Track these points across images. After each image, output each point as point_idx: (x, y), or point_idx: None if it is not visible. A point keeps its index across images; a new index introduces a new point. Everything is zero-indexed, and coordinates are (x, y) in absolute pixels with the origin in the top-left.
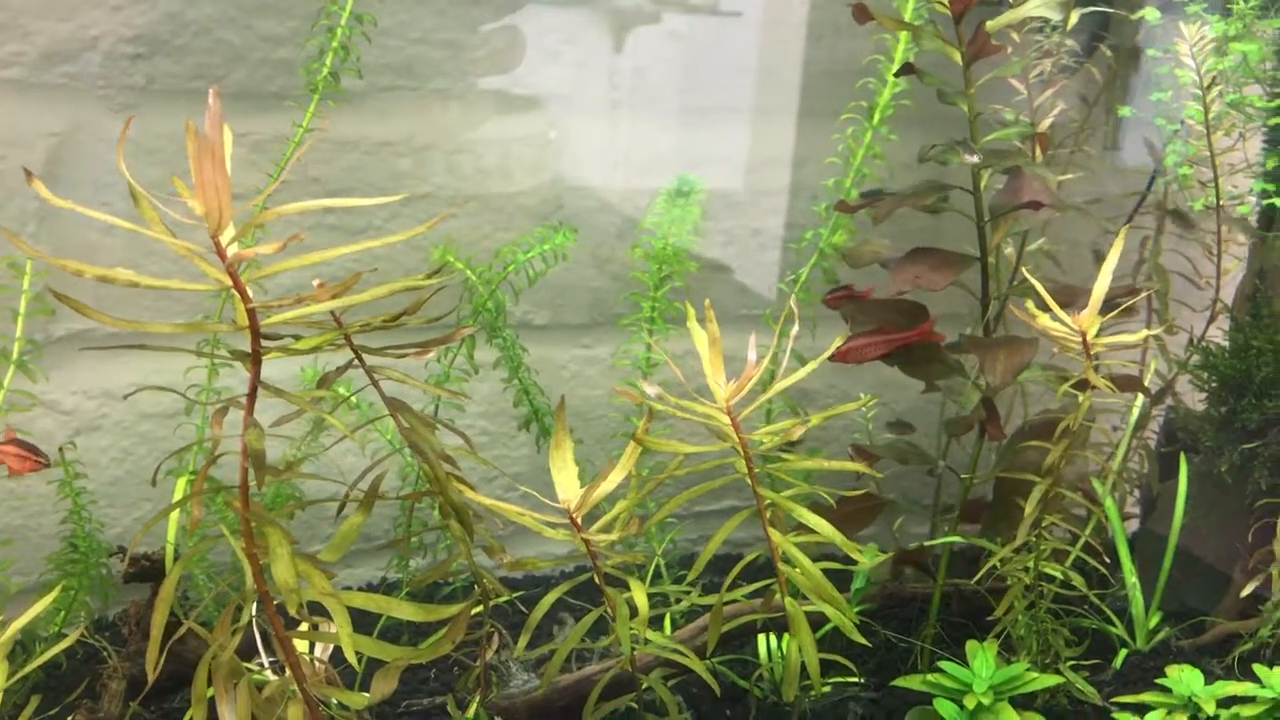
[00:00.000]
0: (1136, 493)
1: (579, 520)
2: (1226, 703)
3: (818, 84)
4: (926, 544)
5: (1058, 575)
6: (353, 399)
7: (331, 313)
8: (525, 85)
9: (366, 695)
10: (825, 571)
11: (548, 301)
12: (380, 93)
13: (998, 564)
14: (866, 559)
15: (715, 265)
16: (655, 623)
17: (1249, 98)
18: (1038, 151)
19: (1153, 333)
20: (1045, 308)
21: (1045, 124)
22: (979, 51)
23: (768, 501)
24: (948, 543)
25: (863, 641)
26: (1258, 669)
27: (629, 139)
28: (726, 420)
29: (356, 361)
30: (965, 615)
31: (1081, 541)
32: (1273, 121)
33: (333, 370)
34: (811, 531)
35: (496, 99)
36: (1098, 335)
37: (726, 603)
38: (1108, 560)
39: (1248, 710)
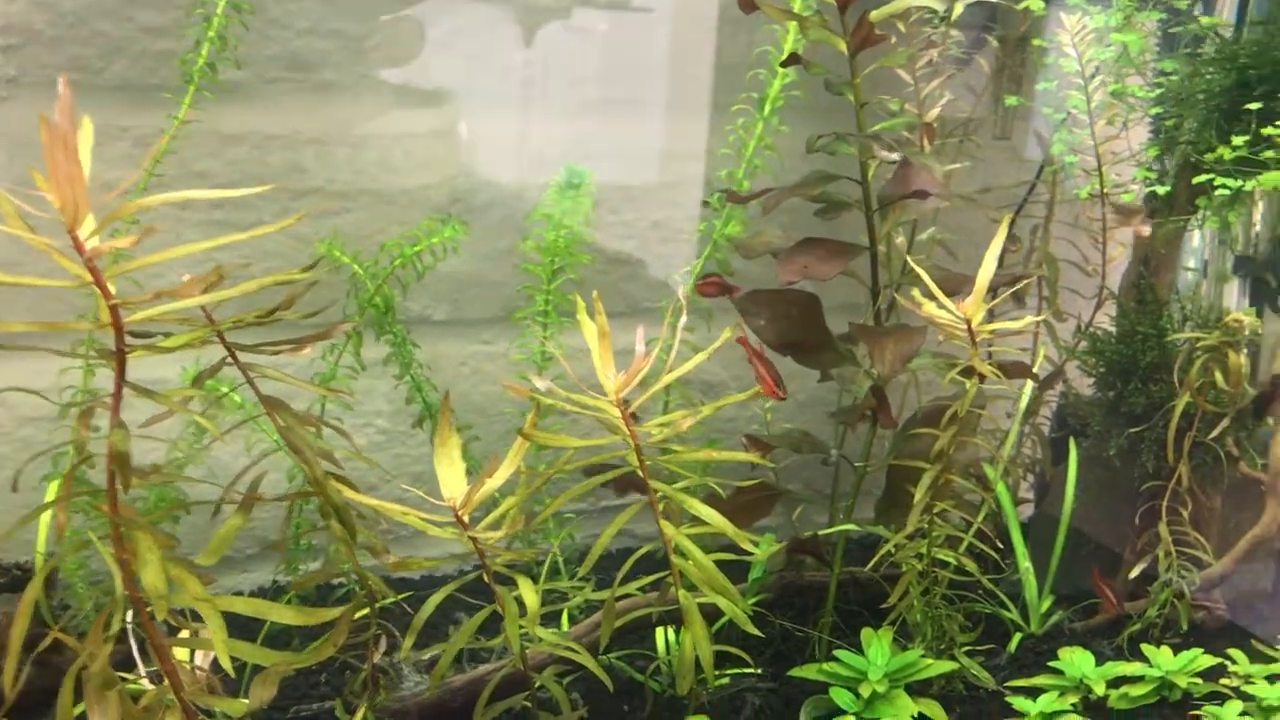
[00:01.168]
0: (1031, 478)
1: (465, 518)
2: (1116, 683)
3: (722, 78)
4: (821, 533)
5: (951, 561)
6: (236, 398)
7: (203, 309)
8: (425, 78)
9: (245, 702)
10: (725, 563)
11: (446, 296)
12: (267, 85)
13: (892, 551)
14: (763, 549)
15: (619, 259)
16: (553, 620)
17: (1131, 88)
18: (925, 142)
19: (1036, 319)
20: (932, 296)
21: (933, 114)
22: (864, 41)
23: (660, 494)
24: (843, 531)
25: (755, 632)
26: (1146, 649)
27: (532, 133)
28: (617, 413)
29: (231, 359)
30: (863, 603)
31: (975, 527)
32: (1154, 111)
33: (206, 369)
34: (706, 523)
35: (394, 92)
36: (984, 322)
37: (621, 597)
38: (1001, 545)
39: (1136, 689)
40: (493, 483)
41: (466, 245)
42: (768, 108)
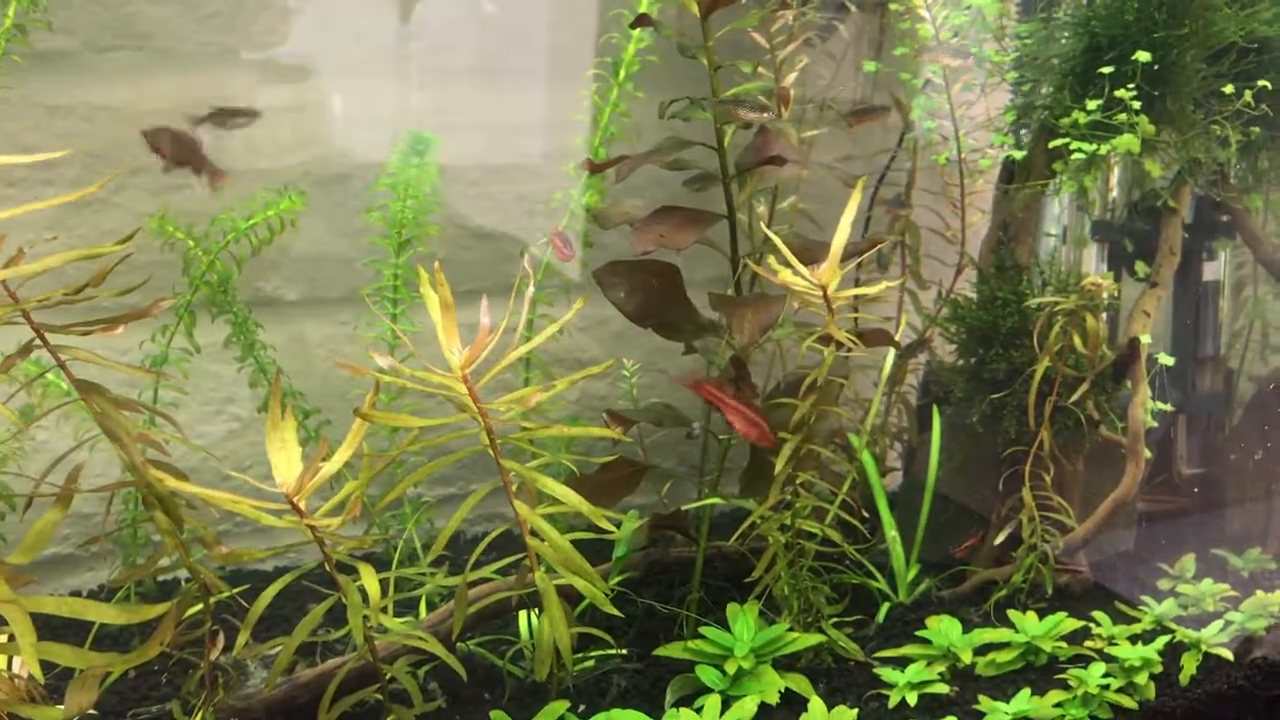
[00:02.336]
0: (899, 447)
1: (301, 504)
2: (983, 650)
3: (585, 46)
4: (685, 508)
5: (817, 533)
6: (62, 384)
7: (3, 284)
8: (278, 47)
9: (61, 708)
10: (594, 542)
11: (301, 276)
12: (98, 54)
13: (758, 523)
14: (627, 525)
15: (481, 233)
16: (412, 608)
17: (988, 52)
18: (782, 108)
19: (891, 284)
20: (788, 263)
21: (789, 79)
22: (715, 2)
23: (514, 473)
24: (708, 505)
25: (614, 612)
26: (1012, 614)
27: (395, 105)
28: (463, 389)
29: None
30: (731, 579)
31: (840, 498)
32: (1010, 76)
33: (14, 353)
34: (563, 503)
35: (244, 61)
36: (840, 289)
37: (479, 581)
38: (866, 515)
39: (1003, 656)
40: (329, 467)
41: (322, 222)
42: (622, 73)
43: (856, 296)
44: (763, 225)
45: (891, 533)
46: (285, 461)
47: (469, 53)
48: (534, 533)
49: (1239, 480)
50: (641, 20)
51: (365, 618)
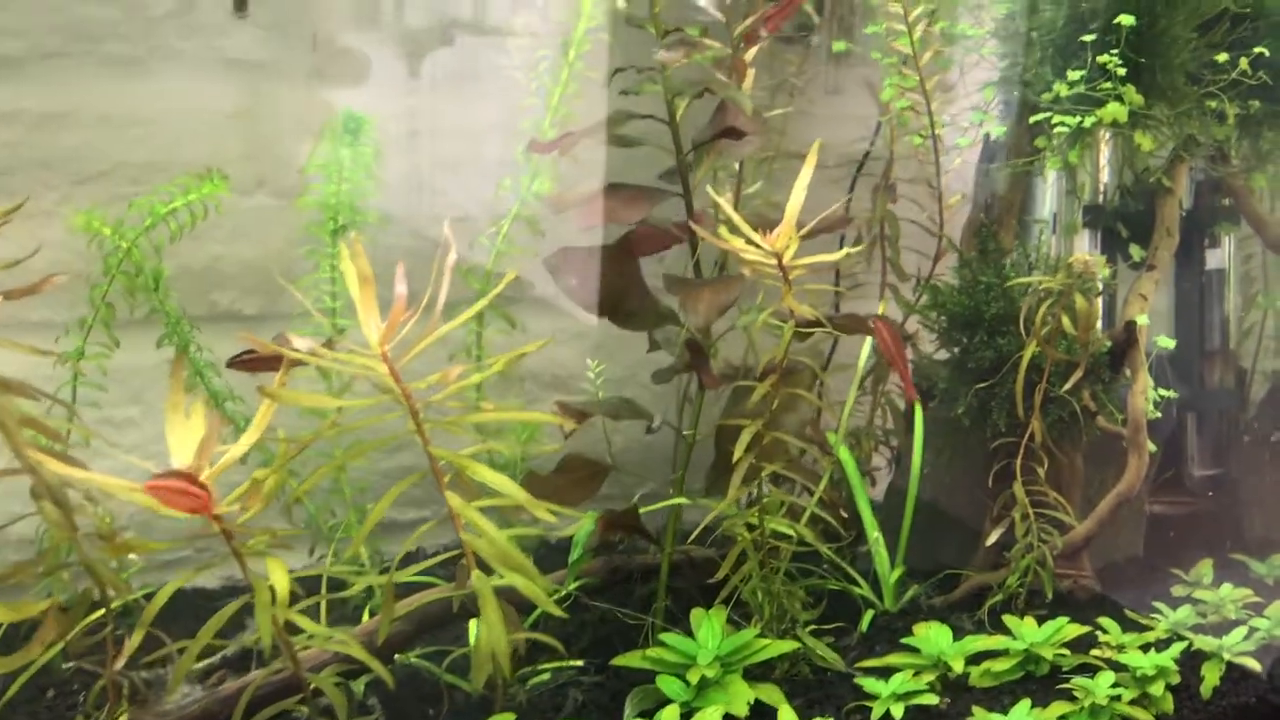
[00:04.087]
0: (887, 449)
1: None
2: (977, 659)
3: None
4: (646, 509)
5: (790, 533)
6: None
7: None
8: (222, 49)
9: None
10: (554, 550)
11: (258, 289)
12: (44, 59)
13: (723, 523)
14: (583, 526)
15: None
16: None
17: (961, 26)
18: (739, 79)
19: (852, 251)
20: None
21: (750, 53)
22: None
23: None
24: (674, 505)
25: (558, 613)
26: (1008, 620)
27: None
28: (384, 369)
29: None
30: (701, 586)
31: (816, 496)
32: (987, 51)
33: None
34: (503, 495)
35: (195, 65)
36: (796, 259)
37: (418, 587)
38: (846, 515)
39: (999, 665)
40: (234, 450)
41: (277, 232)
42: (572, 52)
43: (837, 292)
44: (710, 190)
45: (874, 534)
46: (183, 443)
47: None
48: (472, 530)
49: (1258, 481)
50: None
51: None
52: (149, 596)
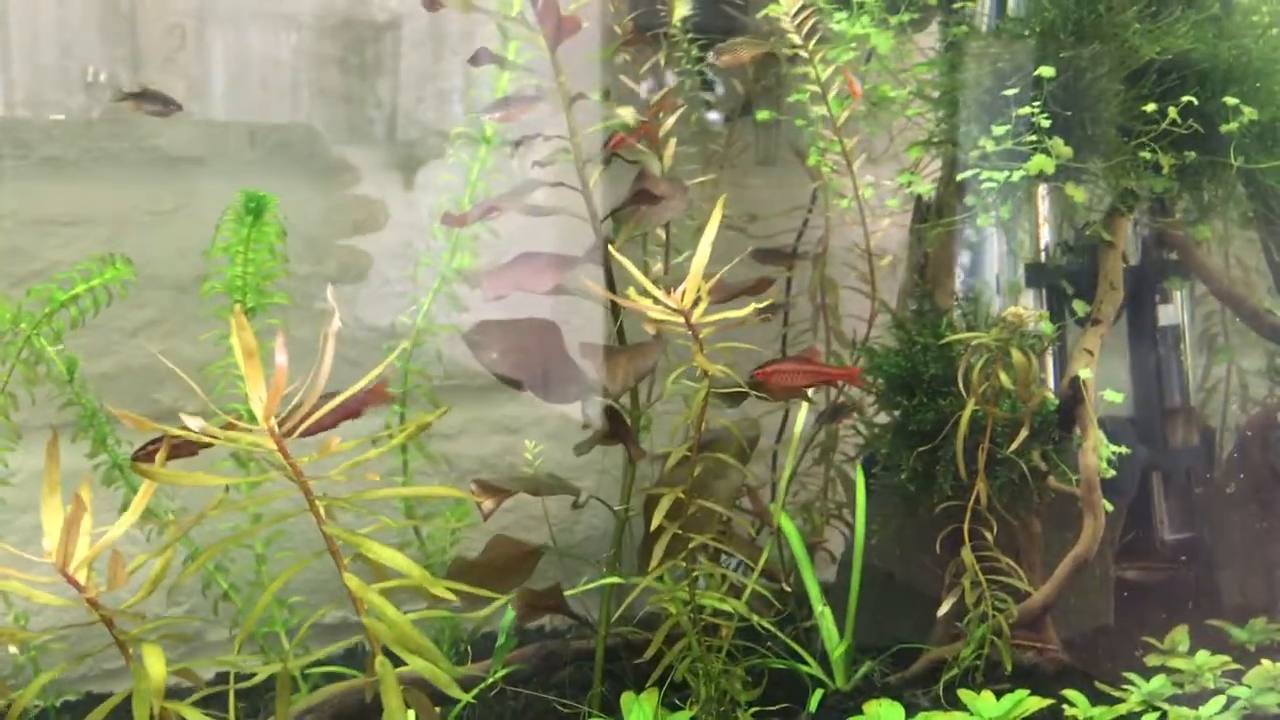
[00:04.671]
0: (840, 522)
1: (80, 577)
2: None
3: None
4: (575, 589)
5: (725, 608)
6: None
7: None
8: (157, 147)
9: None
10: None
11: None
12: None
13: (663, 602)
14: (506, 620)
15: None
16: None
17: (882, 88)
18: (654, 146)
19: (759, 306)
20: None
21: (668, 124)
22: (559, 31)
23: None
24: (606, 585)
25: (461, 696)
26: (964, 695)
27: (306, 202)
28: (271, 444)
29: None
30: (639, 670)
31: (758, 570)
32: (911, 112)
33: None
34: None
35: (134, 164)
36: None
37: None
38: (789, 589)
39: None
40: (111, 534)
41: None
42: (489, 129)
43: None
44: (612, 250)
45: (820, 608)
46: (56, 527)
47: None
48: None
49: (1231, 542)
50: (481, 56)
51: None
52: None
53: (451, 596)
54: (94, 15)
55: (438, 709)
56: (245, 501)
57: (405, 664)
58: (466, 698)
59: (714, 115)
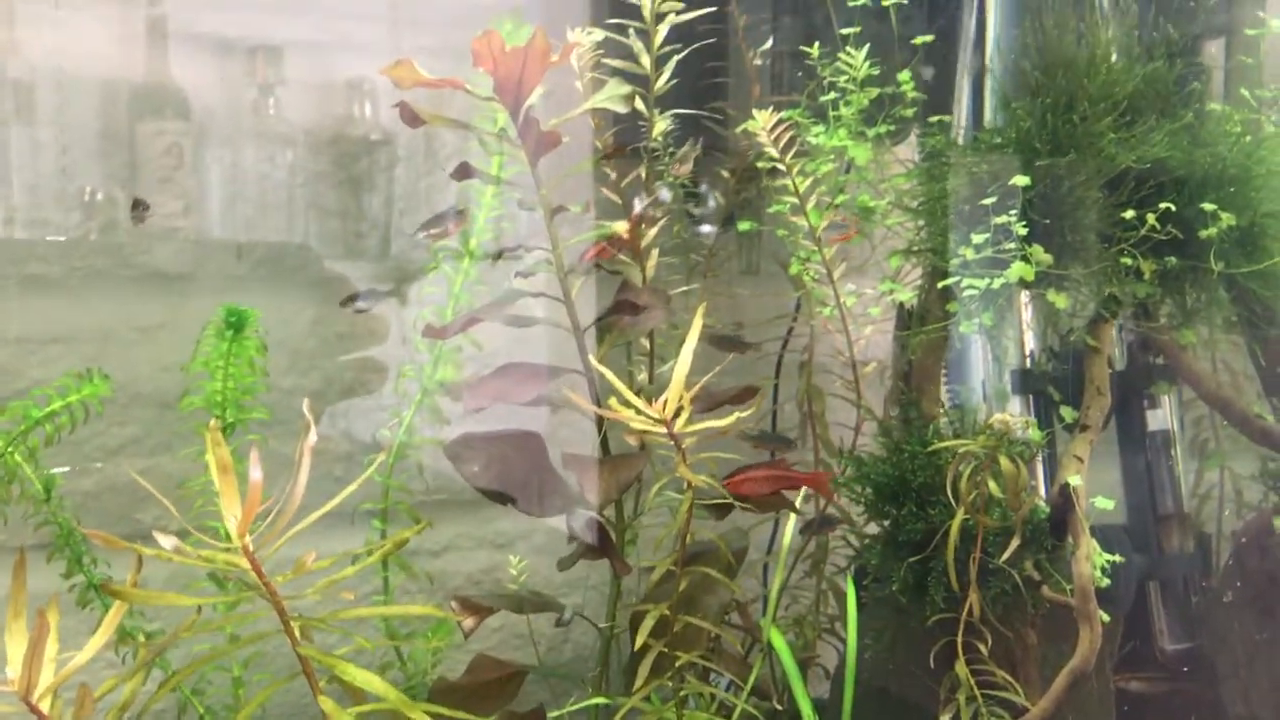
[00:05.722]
0: (833, 636)
1: (42, 705)
2: None
3: None
4: (560, 710)
5: None
6: None
7: None
8: (143, 264)
9: None
10: None
11: (180, 506)
12: None
13: None
14: None
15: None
16: None
17: (861, 198)
18: (634, 257)
19: (742, 414)
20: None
21: (650, 235)
22: (539, 145)
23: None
24: (591, 706)
25: None
26: None
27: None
28: (245, 563)
29: None
30: None
31: (748, 688)
32: (890, 222)
33: None
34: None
35: (110, 280)
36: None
37: None
38: (780, 708)
39: None
40: (78, 659)
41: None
42: (473, 241)
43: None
44: (593, 359)
45: None
46: (20, 652)
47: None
48: None
49: (1231, 653)
50: (461, 171)
51: None
52: None
53: (425, 719)
54: (92, 139)
55: None
56: (221, 621)
57: None
58: None
59: (698, 227)
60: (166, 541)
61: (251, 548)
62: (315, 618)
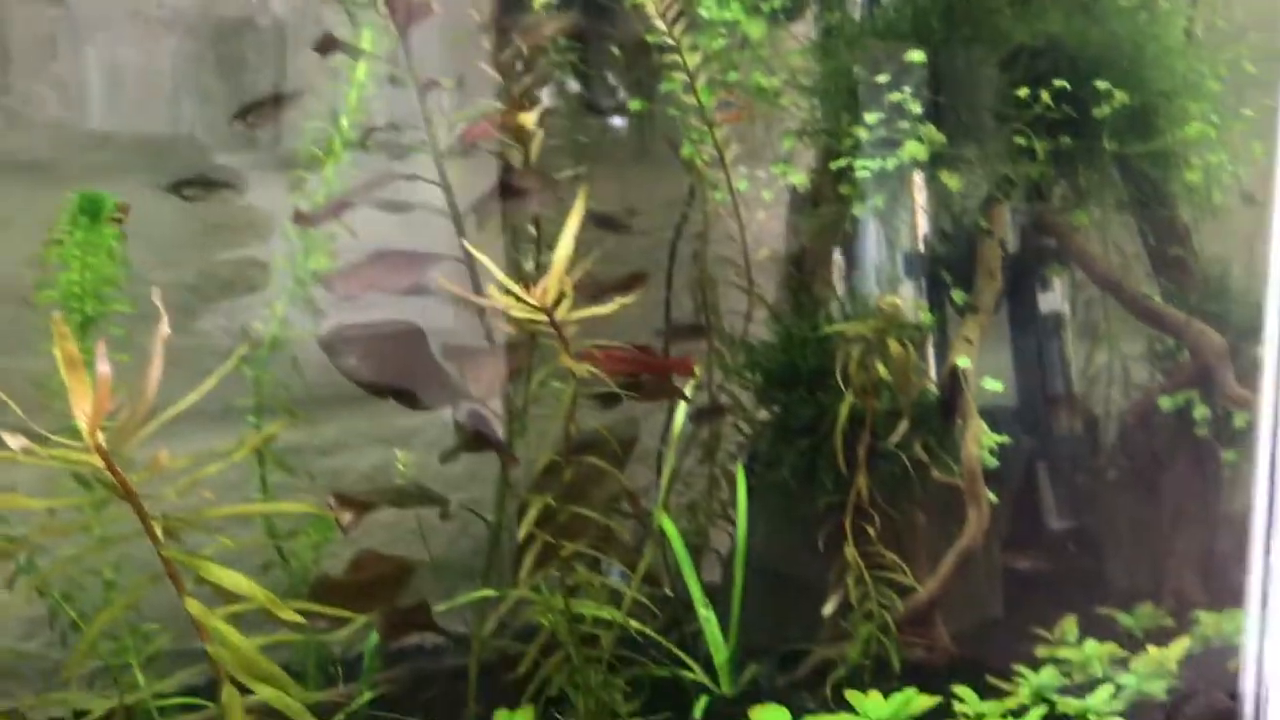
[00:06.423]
0: (727, 521)
1: None
2: None
3: None
4: (446, 606)
5: (604, 616)
6: None
7: None
8: None
9: None
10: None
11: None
12: None
13: (537, 614)
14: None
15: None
16: None
17: (755, 76)
18: (521, 140)
19: (624, 301)
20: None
21: (533, 115)
22: (410, 15)
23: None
24: (481, 599)
25: None
26: (851, 696)
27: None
28: (98, 460)
29: None
30: (518, 685)
31: (638, 575)
32: (785, 101)
33: None
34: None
35: None
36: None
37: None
38: (671, 594)
39: None
40: None
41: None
42: (345, 120)
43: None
44: (466, 244)
45: (704, 612)
46: None
47: None
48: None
49: (1117, 529)
50: (327, 43)
51: None
52: None
53: (298, 619)
54: None
55: None
56: (85, 523)
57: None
58: None
59: (587, 109)
60: (14, 441)
61: (105, 445)
62: (178, 517)
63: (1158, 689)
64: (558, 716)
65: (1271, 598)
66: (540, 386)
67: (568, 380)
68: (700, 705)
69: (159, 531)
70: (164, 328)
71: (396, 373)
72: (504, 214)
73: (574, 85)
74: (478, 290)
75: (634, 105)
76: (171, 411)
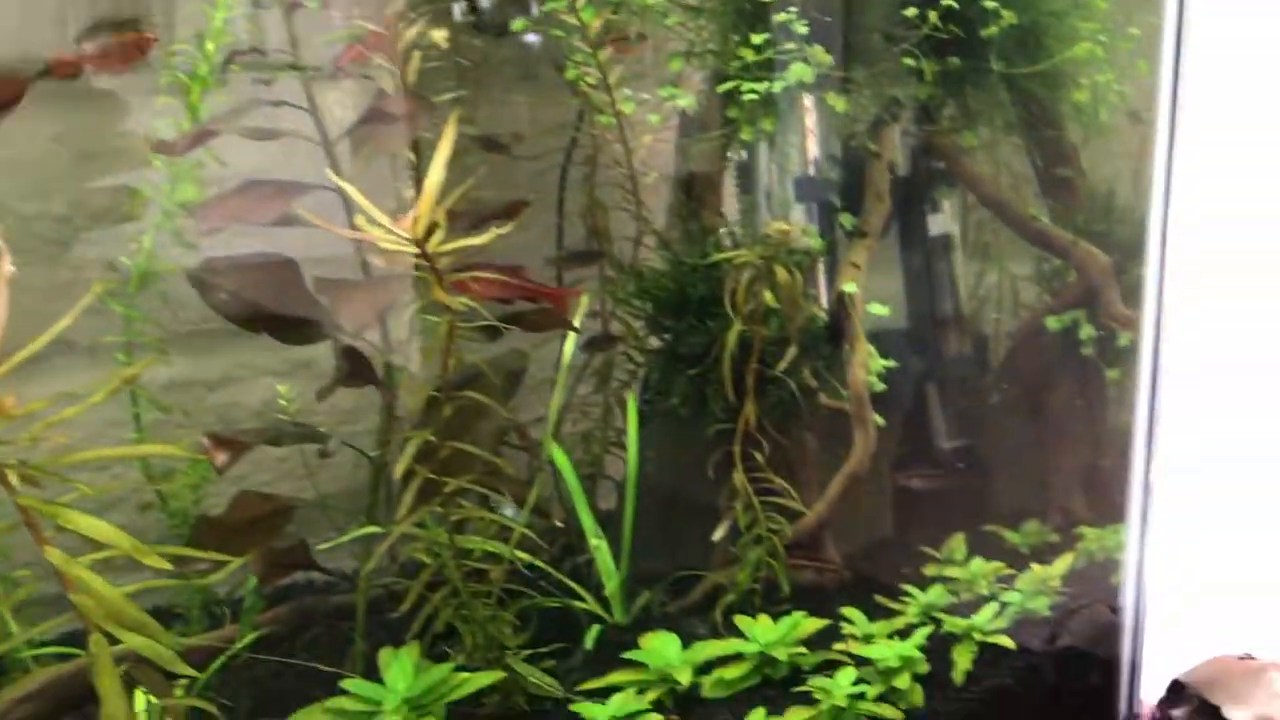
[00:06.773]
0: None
1: None
2: (708, 667)
3: None
4: (328, 545)
5: (490, 549)
6: None
7: None
8: None
9: None
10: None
11: None
12: None
13: (418, 550)
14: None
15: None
16: None
17: None
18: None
19: (500, 232)
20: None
21: (409, 35)
22: None
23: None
24: (365, 535)
25: (187, 672)
26: (740, 621)
27: None
28: None
29: None
30: (405, 621)
31: (528, 507)
32: (671, 20)
33: None
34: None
35: None
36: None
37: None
38: (562, 524)
39: (732, 671)
40: None
41: None
42: (211, 43)
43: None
44: (329, 173)
45: (595, 541)
46: None
47: None
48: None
49: (1004, 449)
50: None
51: None
52: None
53: (165, 564)
54: None
55: (183, 682)
56: None
57: None
58: (191, 672)
59: (469, 29)
60: None
61: None
62: (35, 464)
63: (1042, 605)
64: (448, 651)
65: (1150, 512)
66: (420, 319)
67: (443, 313)
68: (592, 634)
69: (14, 479)
70: (6, 265)
71: (268, 306)
72: (376, 140)
73: (457, 5)
74: (350, 224)
75: (516, 25)
76: (22, 354)
